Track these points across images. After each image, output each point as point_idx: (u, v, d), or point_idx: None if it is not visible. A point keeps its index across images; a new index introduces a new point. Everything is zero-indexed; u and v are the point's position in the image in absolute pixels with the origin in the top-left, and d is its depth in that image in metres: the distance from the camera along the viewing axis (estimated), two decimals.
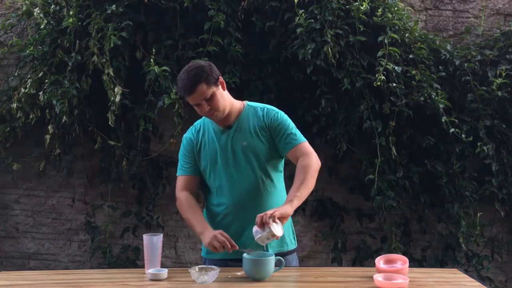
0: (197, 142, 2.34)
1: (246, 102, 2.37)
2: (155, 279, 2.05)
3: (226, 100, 2.25)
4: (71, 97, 3.30)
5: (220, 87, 2.22)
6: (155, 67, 3.22)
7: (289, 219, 2.31)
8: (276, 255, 2.14)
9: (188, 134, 2.40)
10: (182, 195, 2.33)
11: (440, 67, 3.47)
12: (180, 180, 2.37)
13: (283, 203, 2.13)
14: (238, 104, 2.33)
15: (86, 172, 3.79)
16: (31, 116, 3.51)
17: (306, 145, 2.28)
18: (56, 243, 3.85)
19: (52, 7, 3.44)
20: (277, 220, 2.02)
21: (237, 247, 2.11)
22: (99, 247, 3.62)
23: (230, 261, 2.24)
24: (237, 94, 3.51)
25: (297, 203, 2.12)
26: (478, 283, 2.08)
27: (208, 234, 2.15)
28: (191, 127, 2.43)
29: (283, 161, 2.38)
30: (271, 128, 2.28)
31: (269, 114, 2.30)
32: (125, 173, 3.60)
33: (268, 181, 2.29)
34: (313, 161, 2.22)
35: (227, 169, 2.27)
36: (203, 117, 2.37)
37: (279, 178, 2.36)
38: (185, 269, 2.10)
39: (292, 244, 2.36)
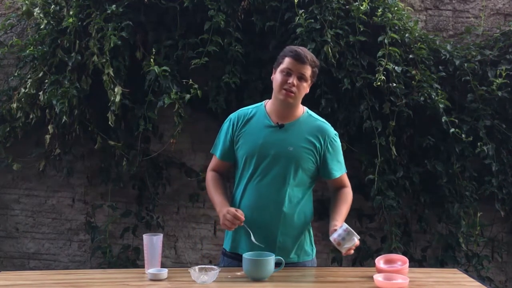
0: (241, 127, 2.31)
1: (306, 109, 2.35)
2: (155, 279, 2.05)
3: (303, 95, 2.27)
4: (71, 97, 3.30)
5: (309, 84, 2.27)
6: (155, 67, 3.22)
7: (310, 231, 2.38)
8: (293, 263, 2.22)
9: (233, 116, 2.36)
10: (209, 174, 2.41)
11: (440, 67, 3.47)
12: (214, 160, 2.42)
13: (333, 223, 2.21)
14: (300, 107, 2.32)
15: (86, 172, 3.79)
16: (31, 116, 3.51)
17: (346, 176, 2.39)
18: (56, 243, 3.85)
19: (52, 7, 3.44)
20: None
21: (242, 220, 2.15)
22: (99, 247, 3.62)
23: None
24: (237, 94, 3.54)
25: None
26: (478, 283, 2.09)
27: (220, 215, 2.22)
28: (244, 109, 2.39)
29: (315, 180, 2.37)
30: (325, 149, 2.28)
31: (329, 135, 2.30)
32: (125, 173, 3.60)
33: (296, 193, 2.27)
34: (351, 196, 2.38)
35: (263, 166, 2.24)
36: (259, 104, 2.37)
37: (307, 194, 2.34)
38: (185, 269, 2.10)
39: (308, 256, 2.36)
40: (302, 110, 2.33)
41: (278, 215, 2.24)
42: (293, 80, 2.19)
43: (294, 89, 2.19)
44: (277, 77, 2.23)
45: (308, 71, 2.22)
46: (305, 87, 2.25)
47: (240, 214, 2.16)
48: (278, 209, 2.24)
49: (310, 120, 2.32)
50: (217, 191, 2.33)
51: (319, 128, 2.30)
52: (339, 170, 2.34)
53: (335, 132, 2.35)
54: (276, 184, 2.24)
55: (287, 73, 2.20)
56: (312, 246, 2.40)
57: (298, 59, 2.20)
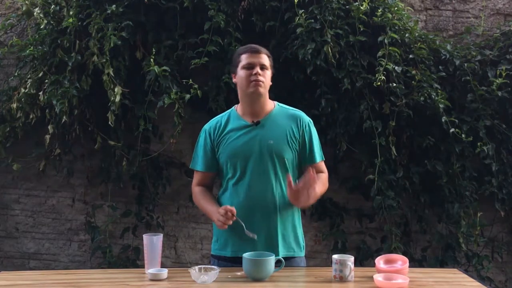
0: (219, 135, 2.32)
1: (276, 102, 2.39)
2: (155, 279, 2.05)
3: (269, 84, 2.32)
4: (71, 97, 3.30)
5: (271, 73, 2.32)
6: (155, 67, 3.22)
7: (299, 228, 2.37)
8: (292, 258, 2.23)
9: (207, 127, 2.39)
10: (196, 189, 2.42)
11: (440, 67, 3.48)
12: (196, 175, 2.43)
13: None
14: (269, 101, 2.36)
15: (86, 172, 3.79)
16: (31, 116, 3.51)
17: (323, 164, 2.41)
18: (56, 243, 3.85)
19: (52, 7, 3.44)
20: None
21: (234, 213, 2.15)
22: (99, 247, 3.62)
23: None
24: (237, 94, 3.52)
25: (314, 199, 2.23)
26: (478, 283, 2.09)
27: (214, 218, 2.22)
28: (216, 117, 2.41)
29: (299, 173, 2.38)
30: (302, 134, 2.31)
31: (304, 122, 2.33)
32: (125, 173, 3.60)
33: (285, 188, 2.26)
34: (327, 181, 2.39)
35: (247, 166, 2.26)
36: (228, 110, 2.40)
37: None
38: (185, 269, 2.11)
39: (297, 252, 2.35)
40: (273, 104, 2.38)
41: (274, 210, 2.25)
42: (257, 70, 2.24)
43: (261, 77, 2.25)
44: (240, 74, 2.28)
45: (266, 61, 2.29)
46: (269, 76, 2.30)
47: (231, 207, 2.16)
48: (272, 205, 2.25)
49: (283, 111, 2.36)
50: (207, 202, 2.34)
51: (293, 116, 2.34)
52: (319, 155, 2.37)
53: (309, 118, 2.38)
54: (265, 181, 2.25)
55: (249, 67, 2.26)
56: (303, 241, 2.40)
57: (254, 51, 2.27)
